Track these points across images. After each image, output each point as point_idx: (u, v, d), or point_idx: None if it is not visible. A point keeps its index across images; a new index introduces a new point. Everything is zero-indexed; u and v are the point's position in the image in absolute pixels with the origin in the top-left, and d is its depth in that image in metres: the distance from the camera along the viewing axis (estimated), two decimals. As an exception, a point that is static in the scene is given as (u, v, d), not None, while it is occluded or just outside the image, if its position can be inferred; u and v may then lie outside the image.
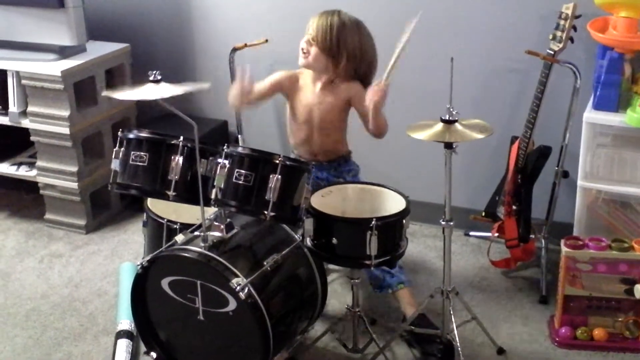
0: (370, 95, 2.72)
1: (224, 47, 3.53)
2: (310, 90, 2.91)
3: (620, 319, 2.76)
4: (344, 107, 2.90)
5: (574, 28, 2.86)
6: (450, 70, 2.40)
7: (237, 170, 2.40)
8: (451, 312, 2.61)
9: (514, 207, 3.08)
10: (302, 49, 2.86)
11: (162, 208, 2.81)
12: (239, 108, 3.26)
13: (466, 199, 3.42)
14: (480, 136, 2.40)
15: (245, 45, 3.39)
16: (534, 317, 2.97)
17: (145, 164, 2.47)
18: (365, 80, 2.87)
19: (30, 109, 3.49)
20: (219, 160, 2.42)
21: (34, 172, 3.64)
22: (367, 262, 2.42)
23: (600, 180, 2.91)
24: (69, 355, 2.82)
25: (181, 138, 2.46)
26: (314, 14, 2.88)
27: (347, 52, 2.81)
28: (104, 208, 3.74)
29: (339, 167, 2.96)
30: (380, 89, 2.69)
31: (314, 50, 2.82)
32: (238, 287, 2.33)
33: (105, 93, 2.60)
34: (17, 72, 3.45)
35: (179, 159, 2.45)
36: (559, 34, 2.88)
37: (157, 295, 2.53)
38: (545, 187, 3.16)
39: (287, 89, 2.94)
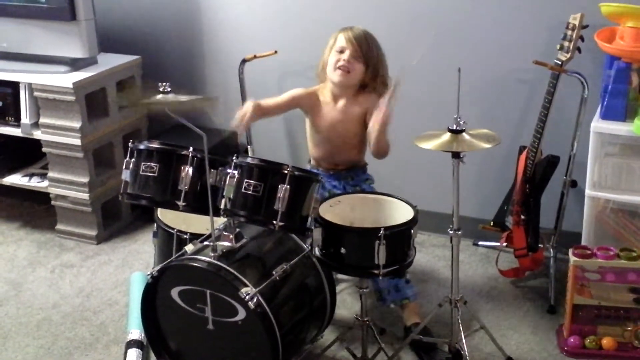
0: (376, 118, 2.72)
1: (234, 58, 3.56)
2: (331, 106, 2.93)
3: (629, 328, 2.76)
4: (364, 118, 2.92)
5: (582, 38, 2.87)
6: (458, 80, 2.42)
7: (246, 180, 2.41)
8: (459, 321, 2.62)
9: (522, 217, 3.08)
10: (342, 67, 2.84)
11: (172, 218, 2.83)
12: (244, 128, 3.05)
13: (475, 208, 3.43)
14: (487, 146, 2.42)
15: (255, 56, 3.41)
16: (543, 326, 2.97)
17: (156, 175, 2.49)
18: (383, 89, 2.89)
19: (42, 120, 3.52)
20: (229, 170, 2.43)
21: (45, 183, 3.67)
22: (376, 271, 2.43)
23: (608, 190, 2.91)
24: (80, 364, 2.85)
25: (191, 149, 2.48)
26: (335, 30, 2.89)
27: (382, 63, 2.88)
28: (115, 218, 3.77)
29: (356, 176, 2.98)
30: (384, 114, 2.69)
31: (359, 65, 2.84)
32: (247, 297, 2.34)
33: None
34: (30, 84, 3.48)
35: (188, 170, 2.47)
36: (566, 44, 2.89)
37: (167, 305, 2.55)
38: (554, 197, 3.16)
39: (307, 106, 2.95)
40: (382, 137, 2.75)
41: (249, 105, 2.79)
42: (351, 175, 2.98)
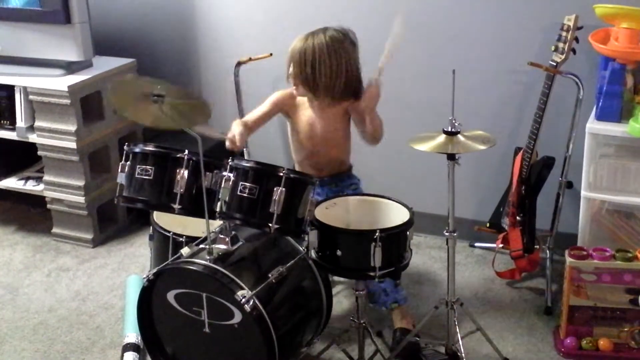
0: (365, 100, 2.76)
1: (229, 61, 3.55)
2: (308, 105, 2.91)
3: (625, 329, 2.76)
4: (345, 115, 2.91)
5: (576, 39, 2.87)
6: (452, 82, 2.42)
7: (241, 183, 2.41)
8: (456, 323, 2.62)
9: (518, 218, 3.08)
10: (292, 82, 2.85)
11: (168, 221, 2.83)
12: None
13: (471, 210, 3.43)
14: (482, 147, 2.42)
15: (250, 59, 3.41)
16: (539, 327, 2.97)
17: (151, 178, 2.49)
18: (357, 94, 2.85)
19: (37, 124, 3.52)
20: (224, 173, 2.44)
21: (41, 187, 3.66)
22: (372, 273, 2.43)
23: (603, 191, 2.91)
24: (76, 368, 2.85)
25: (186, 151, 2.48)
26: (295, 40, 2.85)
27: (325, 81, 2.76)
28: (111, 222, 3.77)
29: (340, 182, 2.97)
30: (371, 92, 2.73)
31: (297, 83, 2.82)
32: (243, 300, 2.34)
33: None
34: (25, 88, 3.48)
35: (184, 173, 2.47)
36: (561, 45, 2.89)
37: (163, 308, 2.55)
38: (550, 198, 3.16)
39: (288, 107, 2.94)
40: (373, 118, 2.77)
41: (236, 127, 2.77)
42: (335, 181, 2.96)
